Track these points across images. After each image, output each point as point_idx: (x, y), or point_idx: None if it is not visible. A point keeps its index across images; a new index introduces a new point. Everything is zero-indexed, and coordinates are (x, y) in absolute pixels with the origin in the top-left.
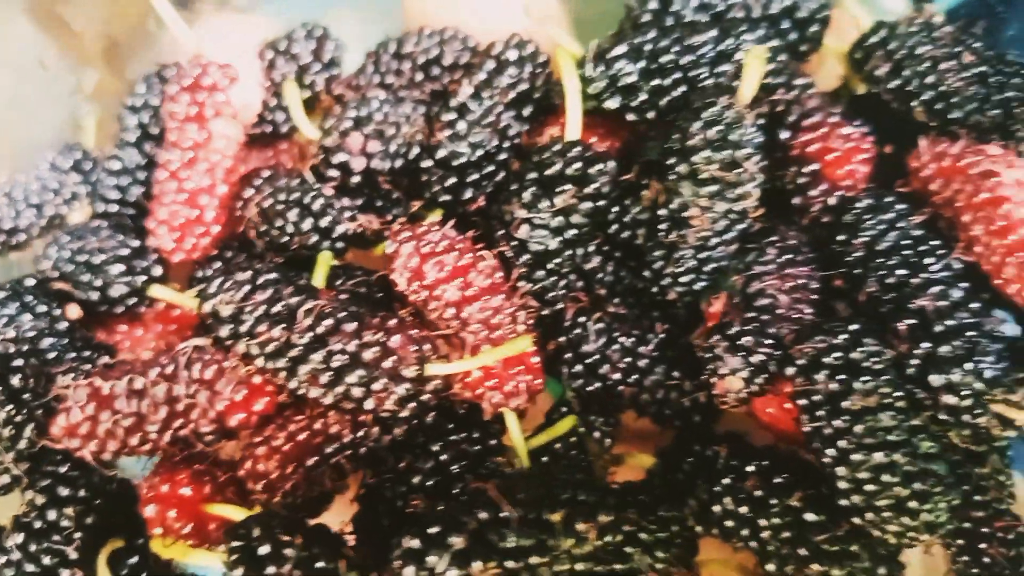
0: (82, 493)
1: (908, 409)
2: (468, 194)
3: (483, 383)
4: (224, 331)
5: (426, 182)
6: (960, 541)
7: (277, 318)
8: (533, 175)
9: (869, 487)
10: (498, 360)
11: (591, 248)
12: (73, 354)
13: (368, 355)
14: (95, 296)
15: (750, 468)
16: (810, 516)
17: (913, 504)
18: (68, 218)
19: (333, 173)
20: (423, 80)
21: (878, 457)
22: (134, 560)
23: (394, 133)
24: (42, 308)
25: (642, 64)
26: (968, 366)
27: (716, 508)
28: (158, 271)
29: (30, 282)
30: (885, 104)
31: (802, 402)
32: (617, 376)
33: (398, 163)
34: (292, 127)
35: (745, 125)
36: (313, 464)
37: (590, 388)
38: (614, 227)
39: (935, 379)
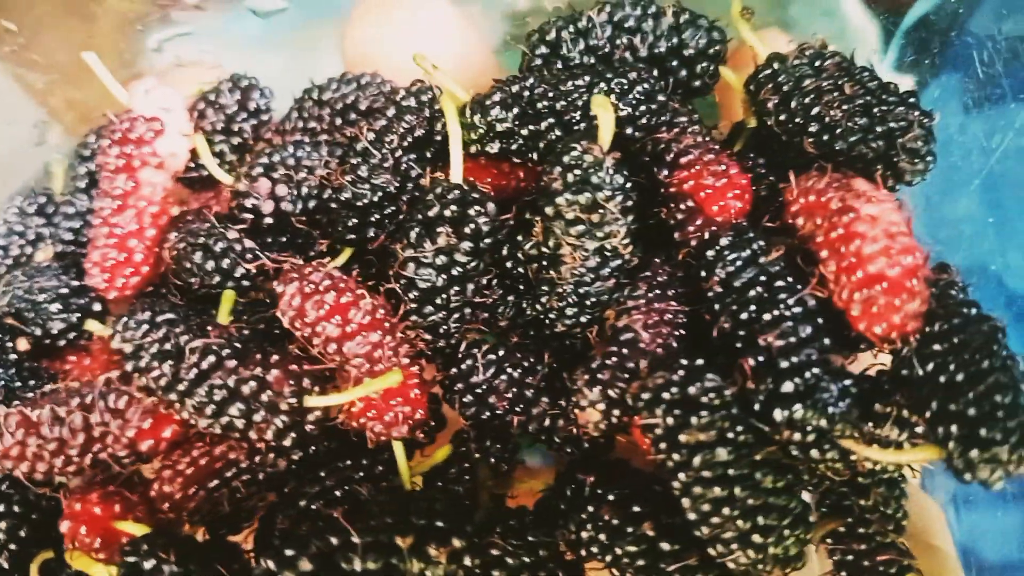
0: (16, 508)
1: (751, 444)
2: (371, 233)
3: (364, 414)
4: (129, 365)
5: (332, 222)
6: (843, 574)
7: (167, 355)
8: (417, 216)
9: (714, 519)
10: (378, 392)
11: (492, 281)
12: (19, 383)
13: (246, 389)
14: (38, 331)
15: (610, 497)
16: (664, 545)
17: (756, 538)
18: (33, 258)
19: (245, 216)
20: (341, 125)
21: (716, 491)
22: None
23: (304, 177)
24: None
25: (516, 110)
26: (809, 402)
27: (583, 535)
28: (96, 307)
29: None
30: (778, 139)
31: (648, 436)
32: (505, 405)
33: (311, 204)
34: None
35: (604, 168)
36: (213, 487)
37: (480, 416)
38: (510, 262)
39: (777, 415)
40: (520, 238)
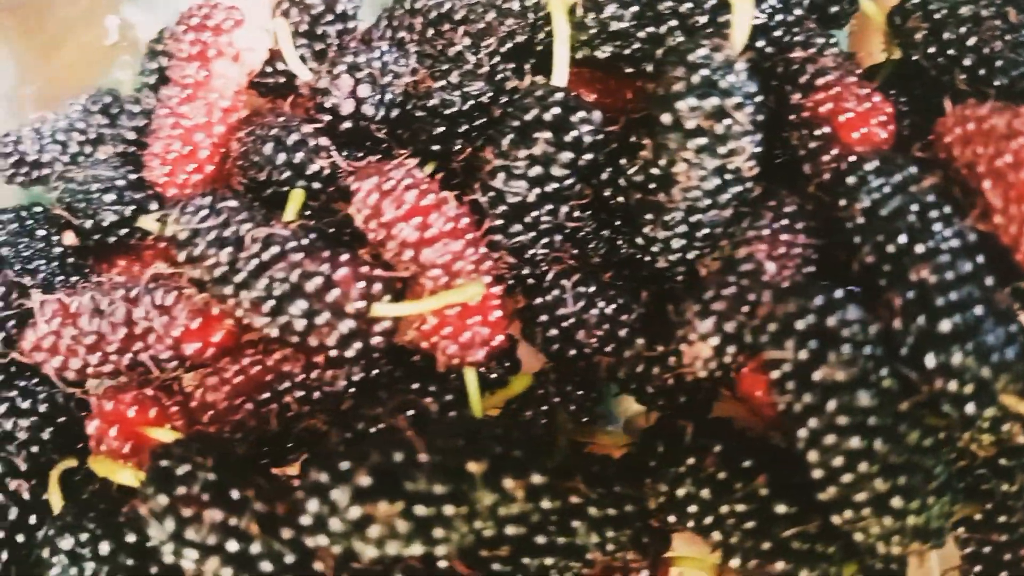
0: (41, 408)
1: (896, 392)
2: (458, 146)
3: (438, 332)
4: (181, 255)
5: (416, 132)
6: (977, 568)
7: (225, 242)
8: (512, 121)
9: (845, 477)
10: (456, 309)
11: (584, 213)
12: (62, 277)
13: (310, 286)
14: (88, 224)
15: (715, 448)
16: (780, 507)
17: (896, 502)
18: (93, 156)
19: (323, 116)
20: (434, 36)
21: (854, 442)
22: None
23: (390, 81)
24: (41, 232)
25: (635, 8)
26: (970, 346)
27: (679, 492)
28: (153, 205)
29: (38, 209)
30: (926, 75)
31: (773, 375)
32: (594, 344)
33: (394, 112)
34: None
35: (735, 71)
36: (262, 400)
37: (565, 355)
38: (608, 190)
39: (930, 359)
40: (623, 162)
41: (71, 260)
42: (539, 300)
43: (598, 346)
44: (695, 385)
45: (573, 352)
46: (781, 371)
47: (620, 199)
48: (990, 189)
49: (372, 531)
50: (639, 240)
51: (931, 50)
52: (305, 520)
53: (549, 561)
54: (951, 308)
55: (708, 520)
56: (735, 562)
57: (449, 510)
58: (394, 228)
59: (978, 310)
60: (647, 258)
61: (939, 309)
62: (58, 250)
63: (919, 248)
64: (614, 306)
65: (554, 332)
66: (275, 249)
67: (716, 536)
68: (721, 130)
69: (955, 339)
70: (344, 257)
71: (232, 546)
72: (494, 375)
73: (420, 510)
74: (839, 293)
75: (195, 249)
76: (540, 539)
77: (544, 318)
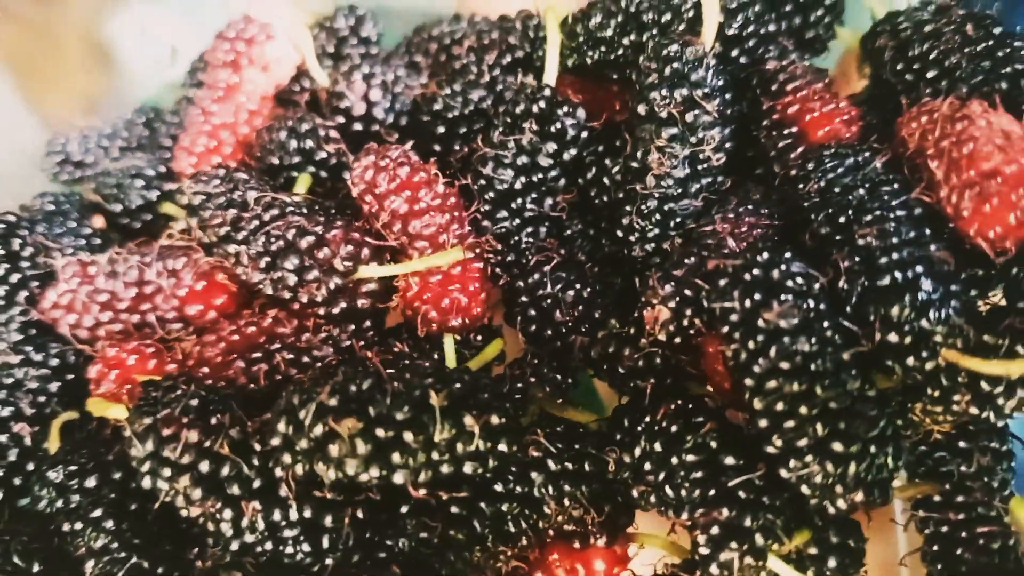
0: (52, 361)
1: (839, 344)
2: (456, 147)
3: (420, 297)
4: (193, 220)
5: (420, 133)
6: (935, 547)
7: (232, 204)
8: (503, 115)
9: (787, 423)
10: (437, 278)
11: (572, 213)
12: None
13: (303, 243)
14: (117, 208)
15: (672, 406)
16: (728, 459)
17: (837, 446)
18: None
19: (337, 118)
20: (446, 61)
21: (794, 386)
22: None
23: (401, 92)
24: (74, 215)
25: (620, 19)
26: (908, 300)
27: (636, 451)
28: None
29: (76, 198)
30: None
31: (723, 329)
32: (570, 323)
33: (403, 120)
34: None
35: (705, 64)
36: (253, 358)
37: (542, 335)
38: (594, 190)
39: (872, 312)
40: (608, 163)
41: (97, 241)
42: (520, 283)
43: (573, 326)
44: (664, 367)
45: (549, 332)
46: (729, 321)
47: (605, 199)
48: (936, 166)
49: (333, 449)
50: (618, 232)
51: (899, 67)
52: (275, 440)
53: (505, 507)
54: (892, 266)
55: (662, 475)
56: (684, 515)
57: (408, 436)
58: (386, 200)
59: (919, 268)
60: (625, 249)
61: (881, 267)
62: (87, 231)
63: (866, 217)
64: (590, 289)
65: (532, 312)
66: (275, 211)
67: (669, 492)
68: (691, 119)
69: (895, 294)
70: (338, 223)
71: (204, 467)
72: (473, 347)
73: (380, 432)
74: (786, 252)
75: (205, 212)
76: (498, 486)
77: (524, 299)
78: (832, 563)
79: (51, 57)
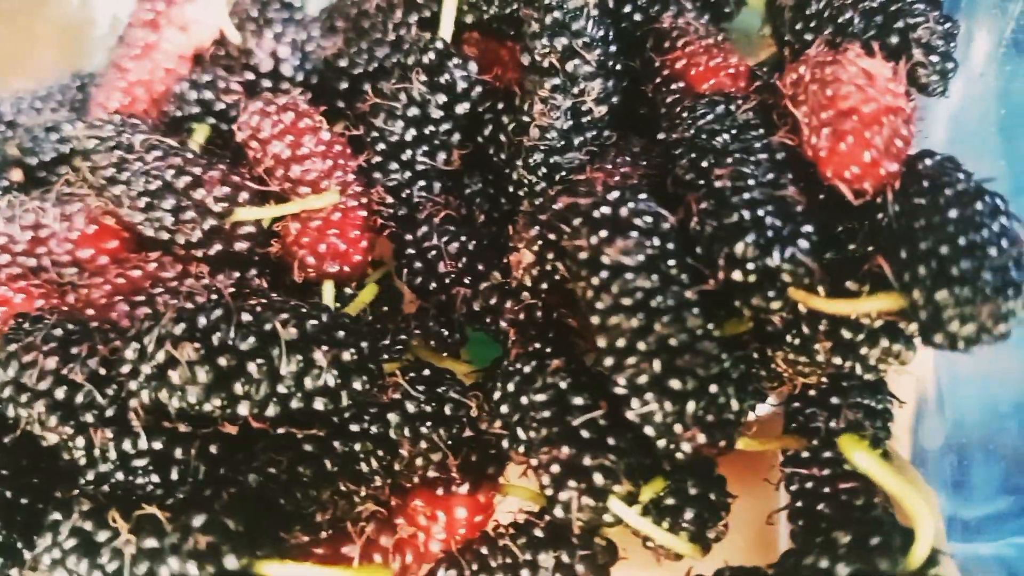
0: None
1: (684, 282)
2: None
3: (298, 241)
4: (85, 164)
5: (324, 89)
6: (799, 503)
7: (119, 147)
8: (395, 66)
9: (628, 360)
10: (317, 223)
11: (470, 169)
12: None
13: (180, 183)
14: (33, 161)
15: (527, 346)
16: (576, 400)
17: (675, 383)
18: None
19: (246, 74)
20: (359, 22)
21: (634, 321)
22: None
23: (312, 51)
24: None
25: None
26: (752, 238)
27: (495, 394)
28: None
29: None
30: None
31: (573, 267)
32: (453, 272)
33: (312, 78)
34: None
35: (586, 14)
36: (136, 302)
37: (427, 287)
38: (492, 148)
39: (718, 248)
40: (504, 120)
41: (15, 196)
42: (408, 235)
43: (456, 278)
44: (546, 319)
45: (434, 284)
46: (578, 259)
47: (502, 156)
48: (800, 110)
49: (174, 376)
50: (510, 188)
51: (797, 26)
52: (124, 368)
53: (358, 447)
54: (741, 205)
55: (515, 417)
56: (533, 459)
57: (251, 367)
58: (269, 144)
59: (768, 207)
60: (516, 205)
61: (730, 206)
62: (3, 184)
63: (726, 160)
64: (475, 242)
65: (418, 264)
66: (158, 152)
67: (520, 434)
68: (571, 68)
69: (741, 231)
70: (219, 166)
71: (60, 393)
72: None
73: (222, 361)
74: (640, 193)
75: (96, 156)
76: (354, 426)
77: (410, 251)
78: (688, 515)
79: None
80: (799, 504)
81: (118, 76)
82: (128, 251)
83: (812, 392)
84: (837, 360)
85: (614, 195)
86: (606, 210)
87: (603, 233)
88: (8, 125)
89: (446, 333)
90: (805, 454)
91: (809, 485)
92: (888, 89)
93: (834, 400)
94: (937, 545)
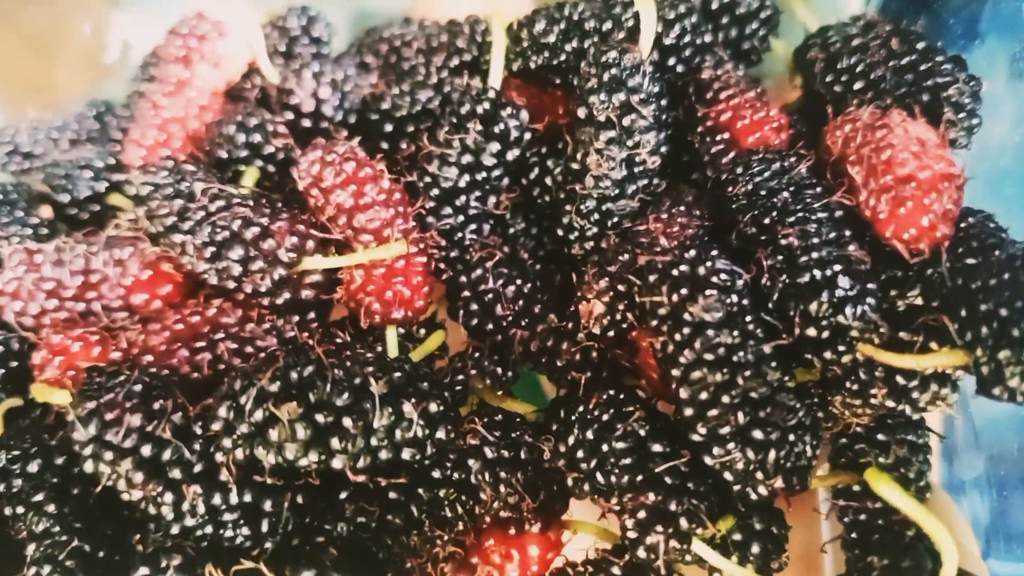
0: None
1: (761, 336)
2: (403, 144)
3: (364, 289)
4: (140, 211)
5: (368, 131)
6: (853, 534)
7: (179, 195)
8: (449, 115)
9: (711, 412)
10: (381, 271)
11: (513, 210)
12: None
13: (248, 234)
14: (65, 199)
15: (604, 396)
16: (656, 447)
17: (757, 434)
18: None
19: (286, 114)
20: (395, 62)
21: (717, 376)
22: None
23: (351, 90)
24: (21, 204)
25: (562, 25)
26: (826, 296)
27: (570, 439)
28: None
29: (24, 188)
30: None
31: (652, 322)
32: (510, 317)
33: (351, 118)
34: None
35: (642, 71)
36: (197, 347)
37: (484, 328)
38: (537, 190)
39: (791, 307)
40: (550, 164)
41: (44, 231)
42: (463, 278)
43: (513, 320)
44: (600, 360)
45: (490, 326)
46: (658, 314)
47: (547, 198)
48: (856, 171)
49: (273, 434)
50: (559, 231)
51: (828, 78)
52: (216, 425)
53: (442, 493)
54: (812, 264)
55: (593, 462)
56: (614, 500)
57: (347, 421)
58: (332, 194)
59: (837, 267)
60: (565, 247)
61: (801, 265)
62: (34, 221)
63: (789, 219)
64: (530, 285)
65: (474, 307)
66: (221, 202)
67: (599, 478)
68: (627, 123)
69: (814, 290)
70: (283, 215)
71: (146, 450)
72: (416, 340)
73: (320, 417)
74: (713, 251)
75: (152, 202)
76: (436, 473)
77: (466, 294)
78: (755, 549)
79: (7, 51)
80: (853, 535)
81: (152, 113)
82: (181, 296)
83: (859, 429)
84: (891, 403)
85: (691, 253)
86: (685, 268)
87: (684, 291)
88: (25, 156)
89: (500, 372)
90: (856, 488)
91: (862, 517)
92: (939, 155)
93: (881, 437)
94: (967, 567)
